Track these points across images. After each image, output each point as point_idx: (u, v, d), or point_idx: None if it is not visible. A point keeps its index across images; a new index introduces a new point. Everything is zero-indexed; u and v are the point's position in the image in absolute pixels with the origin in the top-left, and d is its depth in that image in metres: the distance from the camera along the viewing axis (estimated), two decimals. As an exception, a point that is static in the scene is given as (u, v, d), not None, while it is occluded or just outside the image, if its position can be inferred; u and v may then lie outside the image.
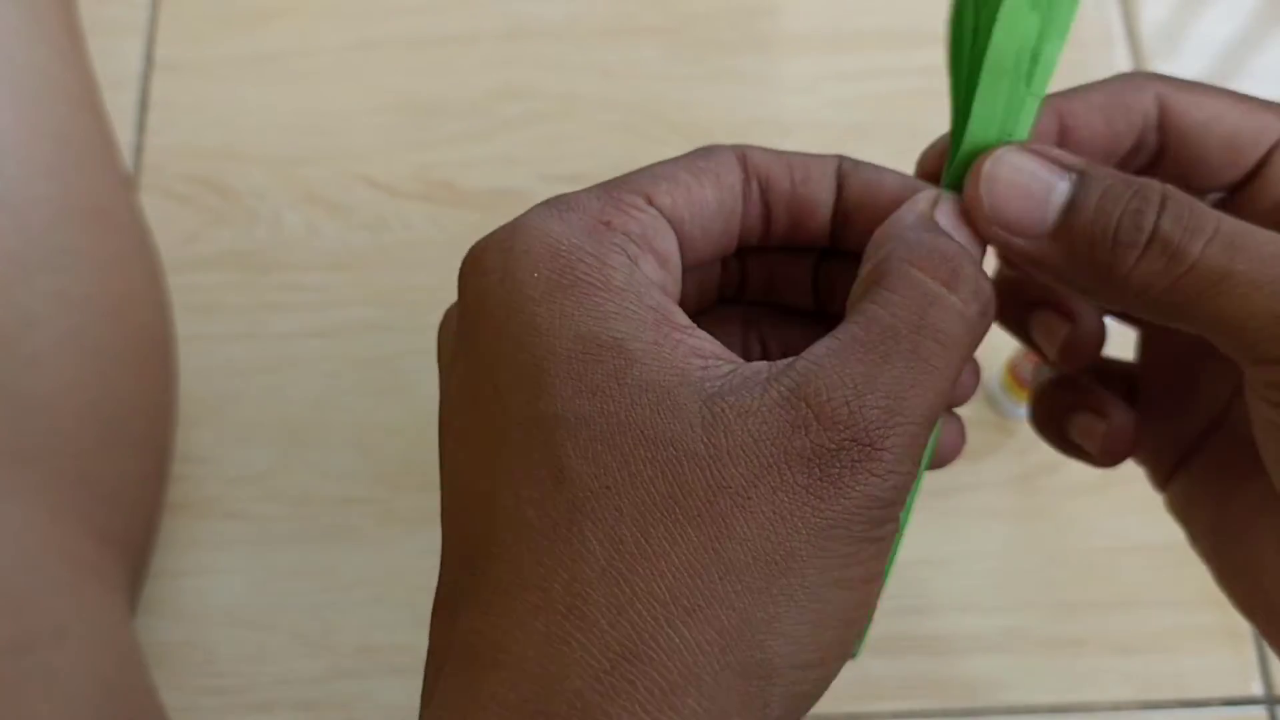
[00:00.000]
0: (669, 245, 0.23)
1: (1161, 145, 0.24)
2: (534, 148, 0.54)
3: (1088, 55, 0.56)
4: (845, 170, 0.26)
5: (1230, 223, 0.22)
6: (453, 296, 0.52)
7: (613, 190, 0.23)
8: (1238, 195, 0.25)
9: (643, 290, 0.21)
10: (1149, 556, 0.47)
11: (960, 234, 0.24)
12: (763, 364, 0.21)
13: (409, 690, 0.45)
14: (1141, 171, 0.24)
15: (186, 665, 0.45)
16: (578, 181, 0.53)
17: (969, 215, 0.24)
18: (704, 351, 0.21)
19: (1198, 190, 0.25)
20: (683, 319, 0.22)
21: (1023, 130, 0.25)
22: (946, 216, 0.24)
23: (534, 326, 0.21)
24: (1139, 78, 0.25)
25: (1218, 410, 0.27)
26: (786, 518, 0.20)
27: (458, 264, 0.52)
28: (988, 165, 0.23)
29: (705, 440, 0.20)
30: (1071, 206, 0.23)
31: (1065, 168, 0.23)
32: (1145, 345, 0.29)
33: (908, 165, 0.56)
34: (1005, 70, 0.25)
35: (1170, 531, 0.47)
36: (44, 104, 0.38)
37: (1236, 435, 0.27)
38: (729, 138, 0.54)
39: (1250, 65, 0.56)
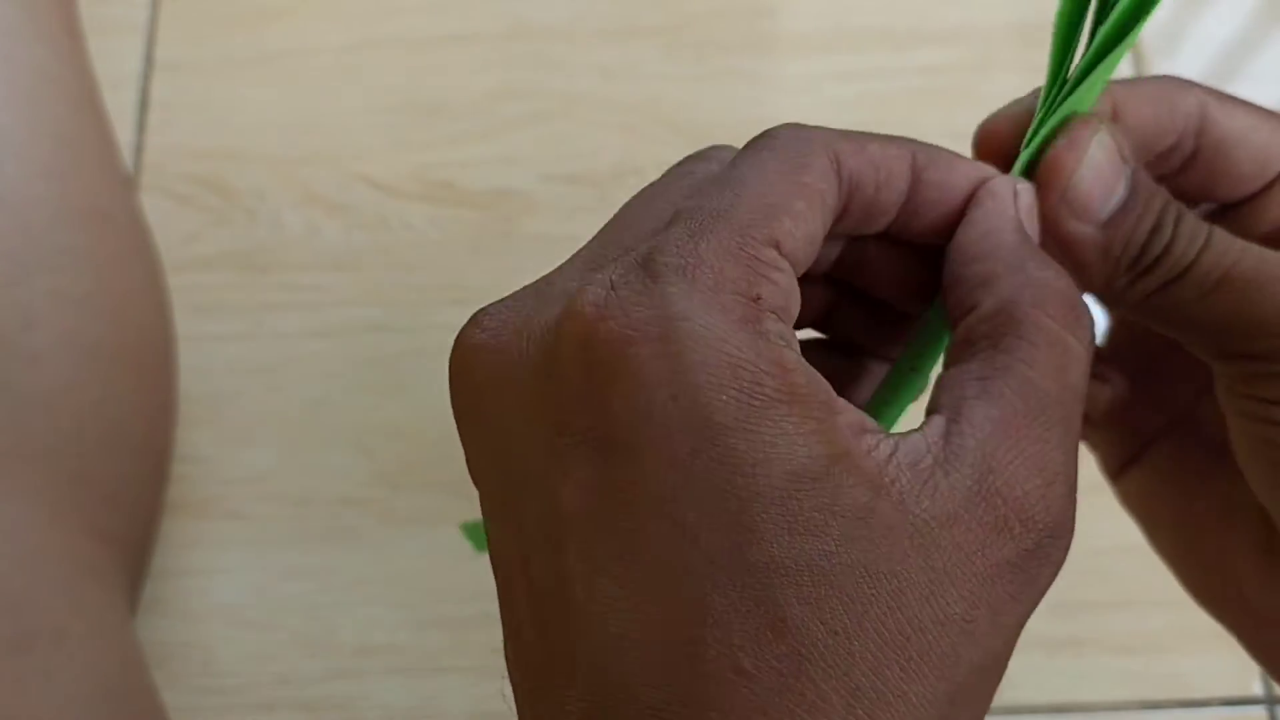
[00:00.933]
0: (797, 302, 0.20)
1: (1197, 149, 0.25)
2: (534, 148, 0.54)
3: (1088, 55, 0.56)
4: (919, 165, 0.23)
5: (1222, 234, 0.23)
6: (453, 296, 0.52)
7: (742, 241, 0.20)
8: (1240, 209, 0.25)
9: (818, 389, 0.19)
10: (1149, 556, 0.47)
11: (1034, 229, 0.23)
12: (919, 439, 0.20)
13: (408, 690, 0.45)
14: (1174, 173, 0.25)
15: (186, 665, 0.45)
16: (577, 181, 0.53)
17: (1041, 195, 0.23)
18: (860, 427, 0.19)
19: (1220, 199, 0.25)
20: (835, 400, 0.19)
21: (1091, 104, 0.25)
22: (1028, 215, 0.23)
23: (734, 465, 0.18)
24: (1184, 81, 0.25)
25: (1182, 407, 0.28)
26: (1001, 629, 0.19)
27: (457, 263, 0.53)
28: (1092, 138, 0.23)
29: (922, 565, 0.18)
30: (1124, 206, 0.23)
31: (1125, 161, 0.23)
32: (1116, 334, 0.29)
33: (908, 165, 0.56)
34: (1128, 43, 0.23)
35: (1170, 531, 0.48)
36: (43, 103, 0.38)
37: (1201, 435, 0.27)
38: (729, 138, 0.54)
39: (1250, 65, 0.56)
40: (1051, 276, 0.22)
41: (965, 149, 0.59)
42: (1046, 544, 0.20)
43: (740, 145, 0.24)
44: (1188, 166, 0.25)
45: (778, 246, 0.20)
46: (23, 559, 0.33)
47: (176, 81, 0.55)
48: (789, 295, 0.20)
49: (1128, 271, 0.23)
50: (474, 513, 0.49)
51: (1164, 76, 0.25)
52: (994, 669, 0.20)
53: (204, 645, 0.45)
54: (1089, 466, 0.50)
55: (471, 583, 0.46)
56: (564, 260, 0.24)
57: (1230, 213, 0.26)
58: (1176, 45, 0.56)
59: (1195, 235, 0.23)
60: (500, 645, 0.47)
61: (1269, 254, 0.23)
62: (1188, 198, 0.25)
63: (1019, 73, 0.55)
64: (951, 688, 0.18)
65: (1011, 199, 0.23)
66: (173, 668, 0.45)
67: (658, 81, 0.55)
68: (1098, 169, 0.23)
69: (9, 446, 0.34)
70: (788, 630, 0.18)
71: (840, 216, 0.22)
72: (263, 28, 0.56)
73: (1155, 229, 0.23)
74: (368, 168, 0.53)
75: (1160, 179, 0.24)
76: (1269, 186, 0.25)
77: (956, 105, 0.55)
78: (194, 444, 0.48)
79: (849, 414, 0.19)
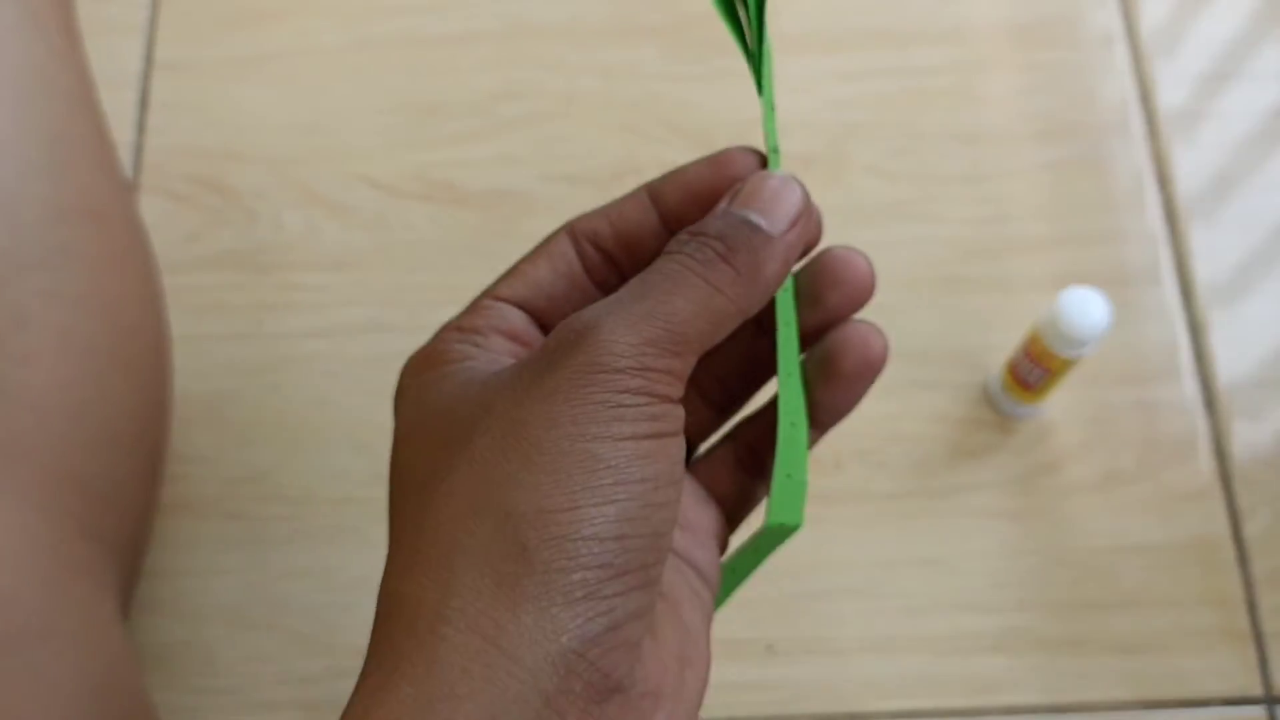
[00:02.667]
0: (515, 321, 0.29)
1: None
2: (534, 147, 0.54)
3: (1088, 55, 0.56)
4: (654, 188, 0.31)
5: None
6: (452, 296, 0.52)
7: (474, 301, 0.30)
8: None
9: (477, 353, 0.29)
10: (1149, 556, 0.47)
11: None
12: None
13: (409, 690, 0.45)
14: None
15: (185, 665, 0.45)
16: (577, 181, 0.53)
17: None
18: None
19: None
20: (507, 361, 0.28)
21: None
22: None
23: (400, 402, 0.30)
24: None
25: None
26: (521, 401, 0.25)
27: (458, 264, 0.53)
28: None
29: (481, 388, 0.27)
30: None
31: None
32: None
33: (906, 164, 0.57)
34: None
35: (1170, 531, 0.48)
36: (39, 103, 0.38)
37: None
38: (729, 138, 0.54)
39: (1250, 65, 0.56)
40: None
41: (964, 148, 0.59)
42: (566, 334, 0.26)
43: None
44: None
45: (494, 297, 0.30)
46: (10, 557, 0.33)
47: (176, 81, 0.55)
48: (496, 319, 0.29)
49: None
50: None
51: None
52: (516, 431, 0.25)
53: (204, 645, 0.45)
54: (1088, 468, 0.50)
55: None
56: None
57: None
58: (1177, 45, 0.56)
59: None
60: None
61: None
62: None
63: (1017, 72, 0.55)
64: (471, 459, 0.26)
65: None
66: (172, 667, 0.45)
67: (658, 81, 0.55)
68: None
69: None
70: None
71: (608, 256, 0.31)
72: (263, 28, 0.56)
73: None
74: (368, 168, 0.53)
75: None
76: None
77: (956, 105, 0.55)
78: (194, 444, 0.48)
79: (506, 364, 0.28)
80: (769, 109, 0.31)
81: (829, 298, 0.31)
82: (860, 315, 0.32)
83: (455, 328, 0.29)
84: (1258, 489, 0.48)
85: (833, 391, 0.30)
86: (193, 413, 0.48)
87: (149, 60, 0.55)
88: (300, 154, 0.53)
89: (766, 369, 0.32)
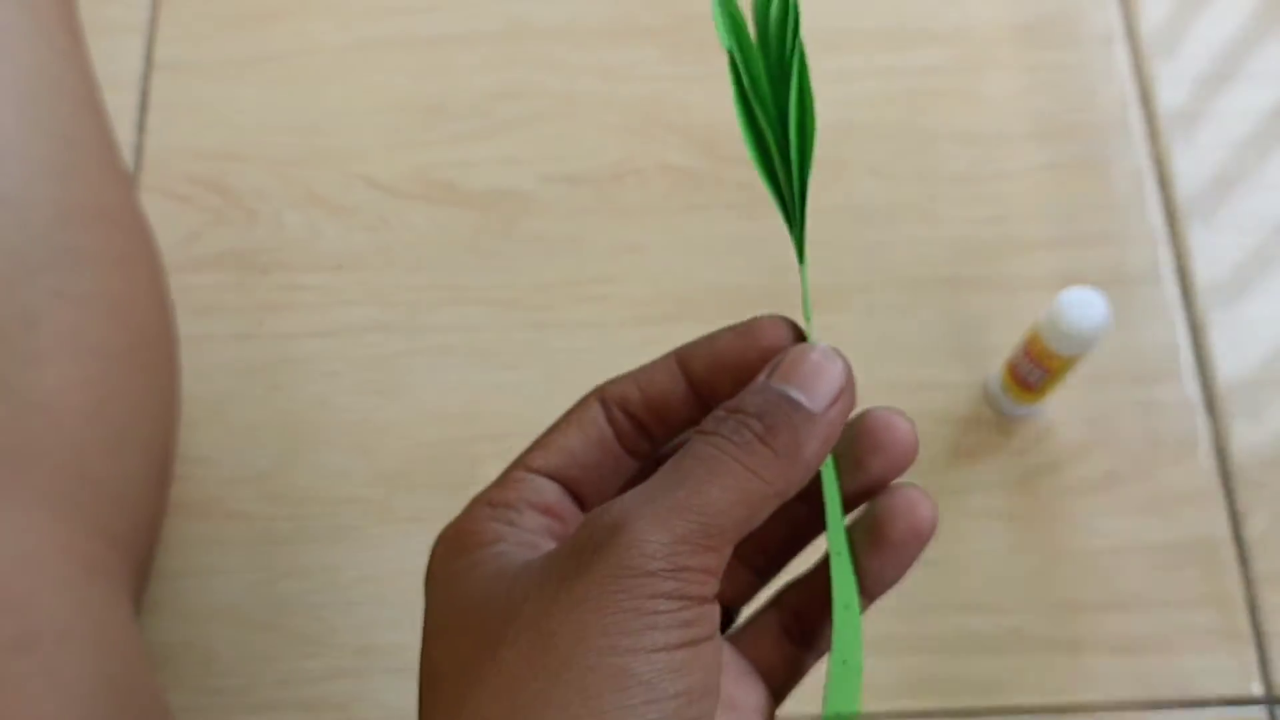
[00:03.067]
0: (548, 495, 0.29)
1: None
2: (534, 148, 0.54)
3: (1088, 55, 0.56)
4: (683, 355, 0.30)
5: None
6: (453, 296, 0.52)
7: (506, 471, 0.29)
8: None
9: (509, 535, 0.28)
10: (1149, 556, 0.47)
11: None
12: None
13: (408, 690, 0.45)
14: None
15: (187, 665, 0.45)
16: (577, 181, 0.53)
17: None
18: (542, 549, 0.27)
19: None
20: (546, 544, 0.28)
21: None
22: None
23: (430, 588, 0.29)
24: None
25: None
26: (549, 610, 0.24)
27: (458, 264, 0.53)
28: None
29: (510, 585, 0.26)
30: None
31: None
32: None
33: (906, 164, 0.57)
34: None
35: (1170, 532, 0.48)
36: (46, 103, 0.38)
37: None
38: (729, 138, 0.55)
39: (1250, 65, 0.56)
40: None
41: (964, 148, 0.59)
42: (598, 532, 0.25)
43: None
44: None
45: (526, 468, 0.29)
46: (26, 559, 0.33)
47: (176, 82, 0.55)
48: (530, 493, 0.28)
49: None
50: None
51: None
52: (542, 643, 0.25)
53: (204, 645, 0.45)
54: (1088, 468, 0.50)
55: (471, 583, 0.46)
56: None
57: None
58: (1177, 45, 0.56)
59: None
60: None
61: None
62: None
63: (1018, 73, 0.55)
64: (498, 666, 0.25)
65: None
66: (174, 668, 0.45)
67: (658, 81, 0.55)
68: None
69: (12, 446, 0.34)
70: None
71: (638, 422, 0.29)
72: (263, 28, 0.56)
73: None
74: (368, 168, 0.53)
75: None
76: None
77: (956, 105, 0.55)
78: (195, 444, 0.48)
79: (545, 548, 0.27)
80: (805, 278, 0.30)
81: (871, 464, 0.29)
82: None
83: (486, 502, 0.28)
84: (1258, 489, 0.48)
85: (880, 560, 0.29)
86: (194, 413, 0.48)
87: (149, 61, 0.55)
88: (301, 154, 0.53)
89: (808, 531, 0.31)
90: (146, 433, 0.39)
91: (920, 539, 0.30)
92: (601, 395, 0.30)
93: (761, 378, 0.28)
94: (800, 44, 0.30)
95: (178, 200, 0.52)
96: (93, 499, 0.36)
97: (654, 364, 0.30)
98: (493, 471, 0.48)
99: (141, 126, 0.54)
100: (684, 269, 0.51)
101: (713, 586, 0.25)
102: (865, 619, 0.48)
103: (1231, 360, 0.50)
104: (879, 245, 0.52)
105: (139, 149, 0.53)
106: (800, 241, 0.30)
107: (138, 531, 0.39)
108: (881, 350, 0.50)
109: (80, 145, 0.38)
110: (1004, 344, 0.50)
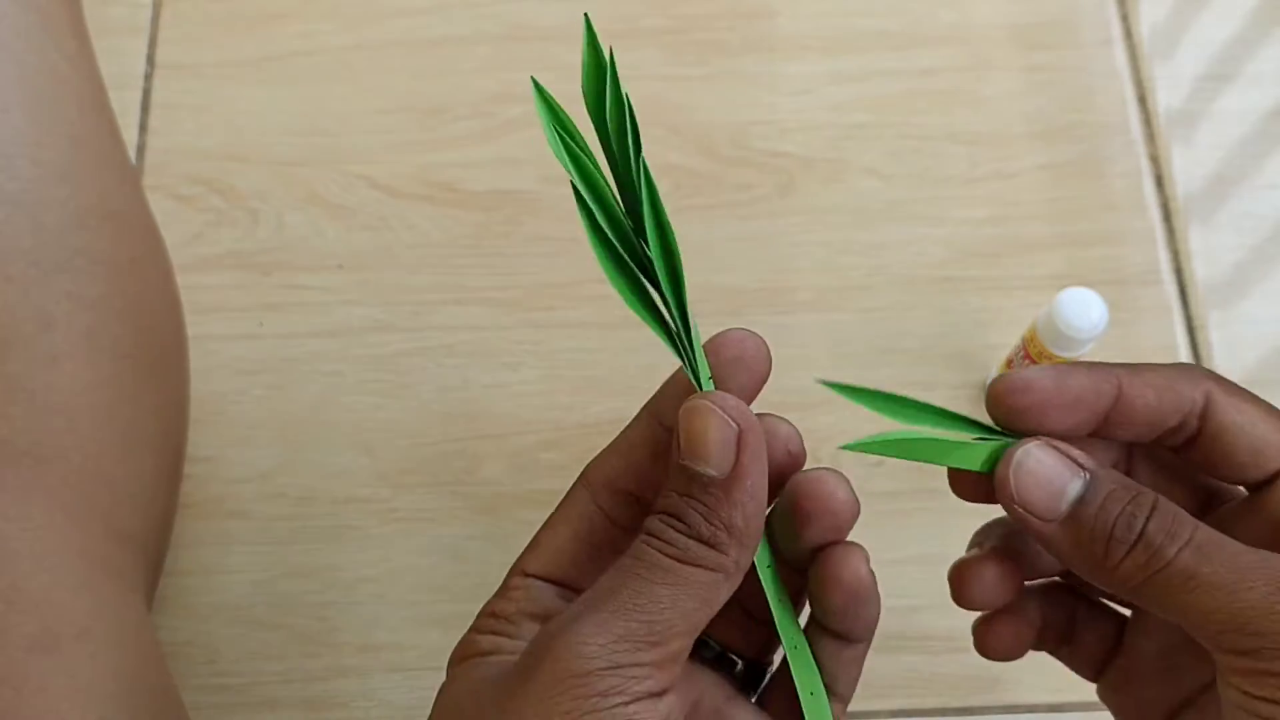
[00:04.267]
0: (545, 600, 0.29)
1: (1200, 432, 0.28)
2: (535, 149, 0.54)
3: (1087, 56, 0.56)
4: (654, 407, 0.31)
5: (1205, 532, 0.26)
6: (454, 296, 0.53)
7: (506, 578, 0.29)
8: (1253, 496, 0.28)
9: (506, 645, 0.28)
10: (1147, 555, 0.47)
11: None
12: None
13: (409, 688, 0.45)
14: (1179, 448, 0.28)
15: (190, 663, 0.45)
16: (578, 182, 0.53)
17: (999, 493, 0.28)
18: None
19: (1224, 479, 0.29)
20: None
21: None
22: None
23: (436, 698, 0.29)
24: (1197, 372, 0.28)
25: (1196, 688, 0.30)
26: (512, 716, 0.25)
27: (459, 264, 0.53)
28: (1018, 455, 0.27)
29: (478, 696, 0.26)
30: (1081, 501, 0.27)
31: (1081, 468, 0.27)
32: (1136, 620, 0.32)
33: (906, 164, 0.57)
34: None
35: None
36: (55, 106, 0.38)
37: (1207, 714, 0.30)
38: (729, 138, 0.55)
39: (1250, 65, 0.56)
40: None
41: (964, 149, 0.59)
42: (543, 639, 0.26)
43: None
44: (1191, 445, 0.28)
45: (523, 573, 0.29)
46: (43, 559, 0.33)
47: (178, 83, 0.55)
48: (525, 601, 0.29)
49: (1108, 552, 0.26)
50: (470, 513, 0.50)
51: (1177, 365, 0.28)
52: None
53: (207, 644, 0.45)
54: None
55: (473, 581, 0.46)
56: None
57: (1246, 501, 0.28)
58: (1176, 45, 0.56)
59: (1175, 531, 0.26)
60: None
61: (1246, 557, 0.25)
62: (1195, 472, 0.29)
63: (1015, 74, 0.56)
64: None
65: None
66: (177, 666, 0.45)
67: (658, 82, 0.55)
68: (1039, 479, 0.27)
69: (27, 447, 0.34)
70: None
71: (621, 499, 0.29)
72: (264, 29, 0.56)
73: (1130, 515, 0.26)
74: (369, 169, 0.53)
75: (1173, 451, 0.28)
76: (1272, 481, 0.28)
77: (954, 106, 0.55)
78: (197, 444, 0.48)
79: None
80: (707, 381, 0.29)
81: (807, 535, 0.29)
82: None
83: (490, 613, 0.29)
84: (1256, 488, 0.48)
85: (845, 626, 0.30)
86: (196, 413, 0.48)
87: (151, 62, 0.55)
88: (302, 155, 0.54)
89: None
90: (159, 433, 0.39)
91: (866, 594, 0.31)
92: (586, 480, 0.30)
93: (674, 455, 0.27)
94: (643, 160, 0.28)
95: (180, 200, 0.53)
96: (108, 499, 0.36)
97: (631, 426, 0.30)
98: (494, 471, 0.48)
99: (143, 127, 0.54)
100: (684, 269, 0.51)
101: (659, 680, 0.25)
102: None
103: (1229, 360, 0.50)
104: (879, 245, 0.52)
105: (141, 149, 0.53)
106: (694, 369, 0.29)
107: (150, 531, 0.39)
108: (881, 350, 0.50)
109: (89, 147, 0.39)
110: (1004, 343, 0.50)
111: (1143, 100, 0.55)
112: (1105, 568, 0.26)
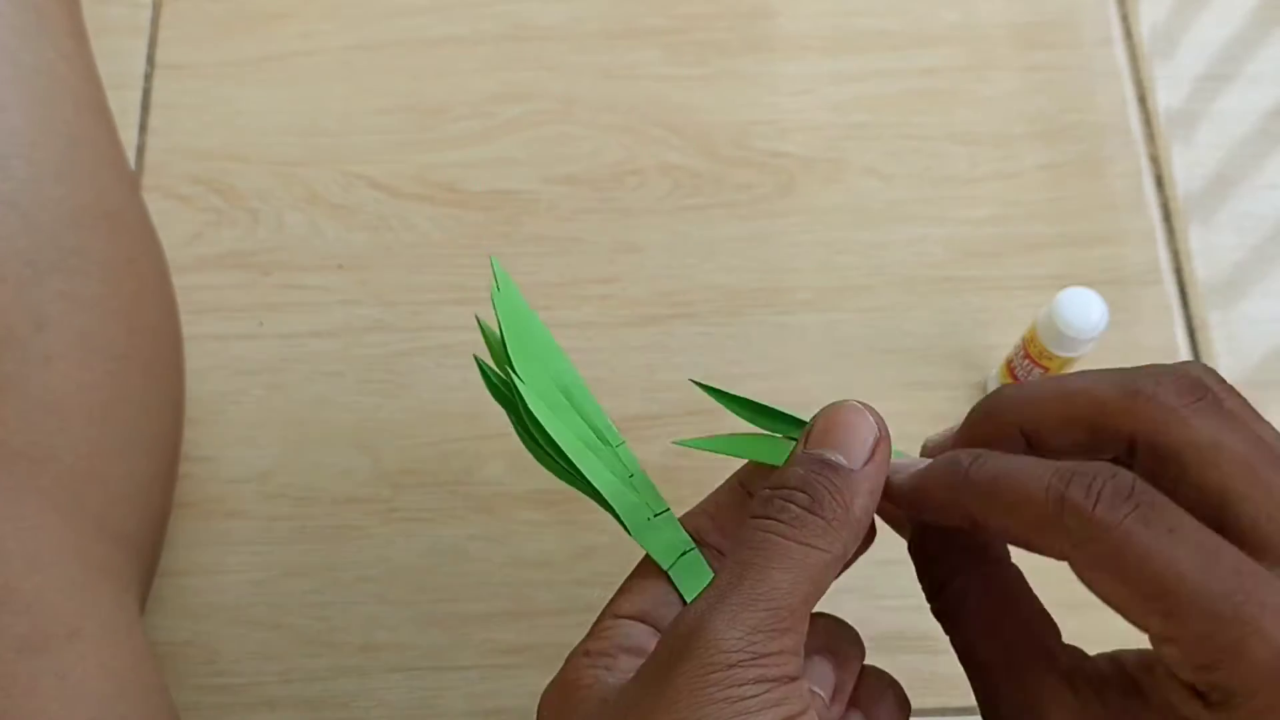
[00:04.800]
0: (639, 638, 0.29)
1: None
2: (535, 149, 0.54)
3: (1087, 56, 0.56)
4: (744, 477, 0.31)
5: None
6: (453, 296, 0.53)
7: (595, 623, 0.30)
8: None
9: (606, 676, 0.28)
10: (1147, 555, 0.47)
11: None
12: None
13: (410, 688, 0.45)
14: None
15: (190, 663, 0.45)
16: (578, 182, 0.53)
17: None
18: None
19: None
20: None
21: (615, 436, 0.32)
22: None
23: None
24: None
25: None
26: (646, 716, 0.25)
27: (459, 264, 0.53)
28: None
29: (612, 708, 0.26)
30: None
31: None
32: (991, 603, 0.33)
33: (906, 164, 0.57)
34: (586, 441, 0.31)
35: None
36: (52, 106, 0.38)
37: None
38: (729, 138, 0.55)
39: (1250, 65, 0.56)
40: None
41: (964, 149, 0.59)
42: (673, 642, 0.26)
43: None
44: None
45: (614, 614, 0.29)
46: (35, 559, 0.33)
47: (178, 82, 0.55)
48: (621, 638, 0.29)
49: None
50: (470, 513, 0.50)
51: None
52: None
53: (207, 644, 0.45)
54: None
55: (473, 581, 0.46)
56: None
57: None
58: (1176, 45, 0.56)
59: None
60: (501, 643, 0.47)
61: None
62: None
63: (1015, 74, 0.56)
64: None
65: None
66: (176, 666, 0.45)
67: (658, 82, 0.55)
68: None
69: (21, 447, 0.34)
70: None
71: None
72: (264, 29, 0.56)
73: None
74: (369, 169, 0.53)
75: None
76: None
77: (954, 106, 0.55)
78: (196, 444, 0.48)
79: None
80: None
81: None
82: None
83: (584, 653, 0.29)
84: (1255, 488, 0.48)
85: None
86: (196, 412, 0.48)
87: (151, 61, 0.55)
88: (302, 155, 0.54)
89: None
90: (153, 434, 0.40)
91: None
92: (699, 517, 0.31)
93: (798, 448, 0.28)
94: (515, 384, 0.31)
95: (179, 200, 0.53)
96: (101, 500, 0.36)
97: (719, 490, 0.31)
98: (494, 471, 0.48)
99: (143, 127, 0.54)
100: (684, 269, 0.52)
101: (796, 665, 0.26)
102: (865, 618, 0.48)
103: (1229, 360, 0.50)
104: (879, 245, 0.52)
105: (141, 149, 0.53)
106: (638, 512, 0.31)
107: (144, 532, 0.39)
108: (881, 350, 0.50)
109: (86, 147, 0.39)
110: (1004, 343, 0.50)
111: (1143, 100, 0.55)
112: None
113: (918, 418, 0.49)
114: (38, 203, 0.36)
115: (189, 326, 0.48)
